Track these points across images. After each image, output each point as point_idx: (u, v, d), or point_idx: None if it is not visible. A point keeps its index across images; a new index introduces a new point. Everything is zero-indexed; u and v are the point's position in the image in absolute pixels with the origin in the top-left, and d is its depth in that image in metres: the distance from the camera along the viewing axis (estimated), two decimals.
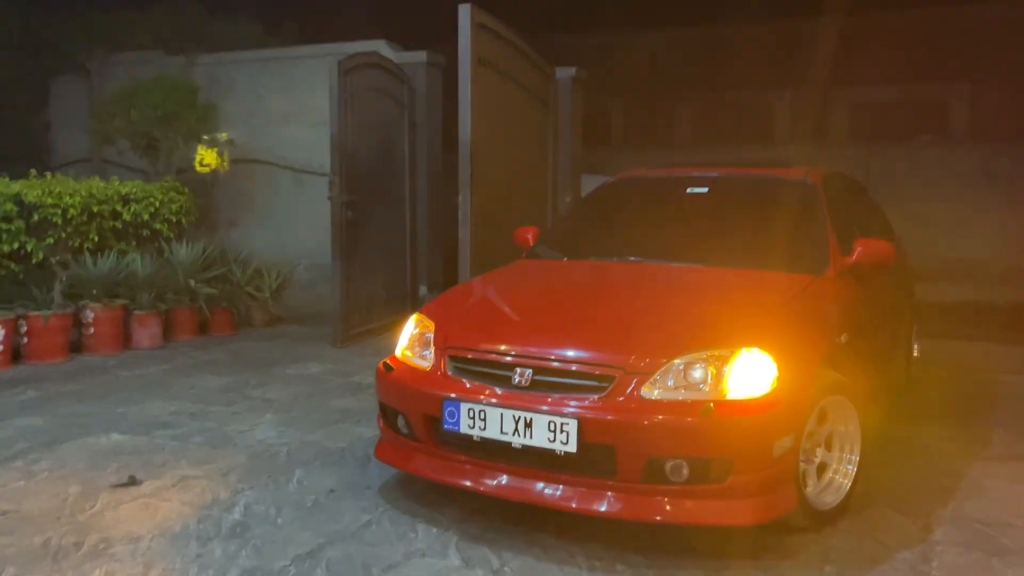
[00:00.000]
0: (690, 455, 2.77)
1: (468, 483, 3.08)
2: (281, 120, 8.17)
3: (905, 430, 4.34)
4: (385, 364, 3.46)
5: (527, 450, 2.92)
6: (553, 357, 3.05)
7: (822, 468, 3.19)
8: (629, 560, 2.85)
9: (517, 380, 3.00)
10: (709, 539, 2.96)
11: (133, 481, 3.49)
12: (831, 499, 3.16)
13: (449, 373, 3.20)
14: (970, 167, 9.59)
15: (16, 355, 5.61)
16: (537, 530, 3.05)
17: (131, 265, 6.08)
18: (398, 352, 3.49)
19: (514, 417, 2.93)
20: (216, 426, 4.31)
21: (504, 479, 3.03)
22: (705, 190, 4.36)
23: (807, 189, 4.05)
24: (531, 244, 4.33)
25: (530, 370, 3.01)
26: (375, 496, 3.40)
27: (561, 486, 2.93)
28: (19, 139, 8.78)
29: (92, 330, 5.90)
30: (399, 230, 7.02)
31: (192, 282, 6.38)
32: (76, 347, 5.90)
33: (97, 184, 6.35)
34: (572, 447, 2.83)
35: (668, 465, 2.79)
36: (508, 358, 3.10)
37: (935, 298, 7.26)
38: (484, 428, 2.99)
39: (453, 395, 3.08)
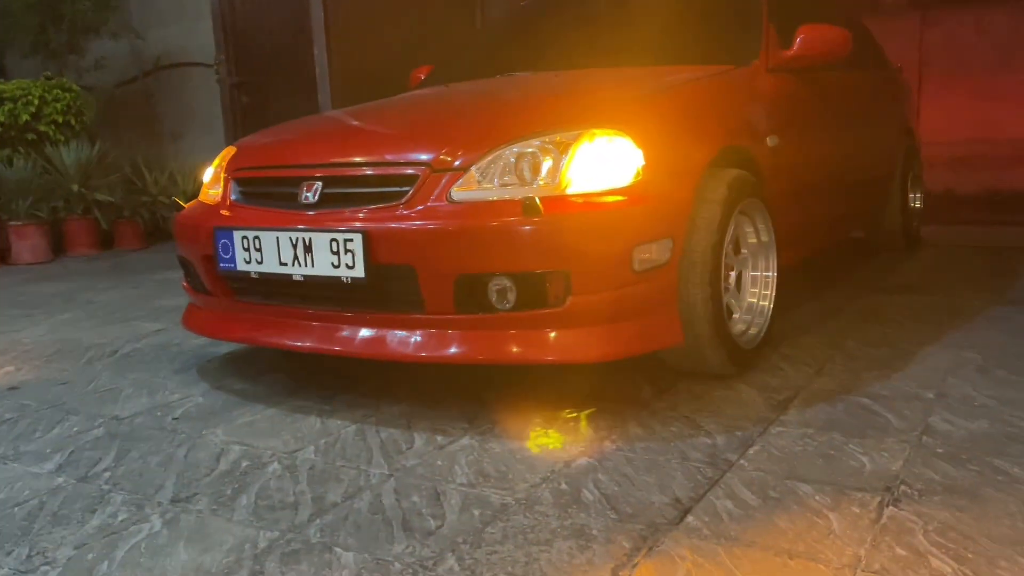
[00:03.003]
0: (512, 270, 1.94)
1: (260, 337, 2.33)
2: (197, 16, 7.29)
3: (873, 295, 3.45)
4: (177, 204, 2.66)
5: (311, 282, 2.14)
6: (345, 162, 2.25)
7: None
8: (477, 422, 2.03)
9: (304, 196, 2.21)
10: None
11: None
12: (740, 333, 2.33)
13: (232, 199, 2.43)
14: None
15: None
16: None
17: None
18: (201, 192, 2.69)
19: (291, 240, 2.14)
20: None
21: (294, 326, 2.24)
22: None
23: None
24: (419, 81, 3.55)
25: (319, 183, 2.22)
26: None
27: (351, 327, 2.13)
28: None
29: None
30: (311, 110, 6.13)
31: (76, 188, 5.60)
32: None
33: None
34: (359, 271, 2.03)
35: (490, 287, 1.96)
36: (294, 171, 2.31)
37: (1009, 186, 6.18)
38: (261, 261, 2.21)
39: (226, 224, 2.30)
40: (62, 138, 5.94)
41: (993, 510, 1.52)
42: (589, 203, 1.97)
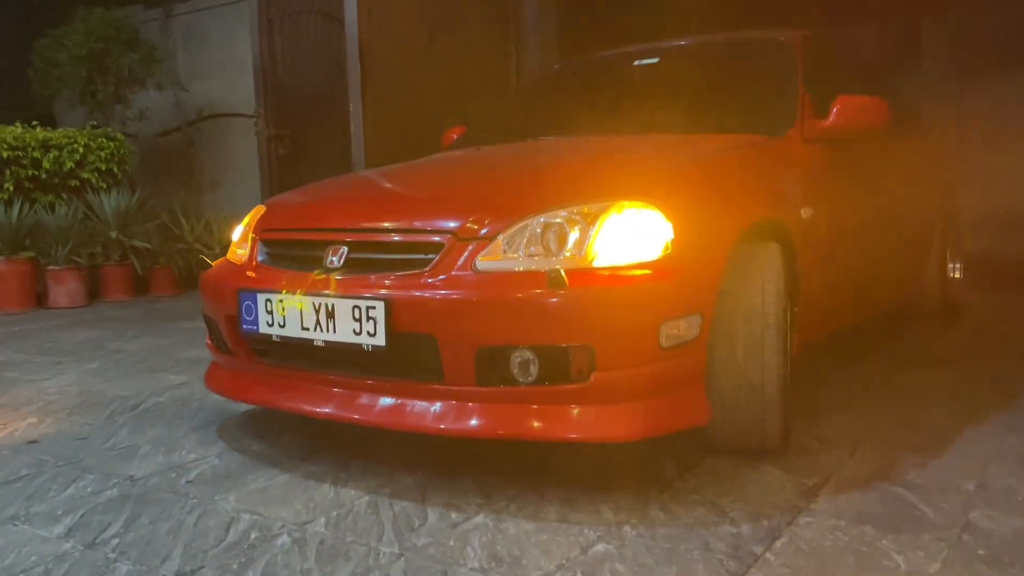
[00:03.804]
0: (535, 343, 1.90)
1: (279, 401, 2.30)
2: (238, 68, 7.47)
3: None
4: (205, 261, 2.68)
5: (332, 348, 2.11)
6: (372, 228, 2.24)
7: None
8: (493, 498, 1.97)
9: (330, 260, 2.20)
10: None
11: None
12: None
13: (258, 260, 2.44)
14: None
15: None
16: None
17: (38, 215, 5.42)
18: (230, 251, 2.71)
19: (314, 305, 2.12)
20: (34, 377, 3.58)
21: (314, 392, 2.22)
22: (655, 60, 3.51)
23: (779, 48, 3.18)
24: (452, 141, 3.58)
25: (345, 247, 2.21)
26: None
27: (370, 395, 2.10)
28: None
29: None
30: (344, 166, 6.21)
31: (114, 234, 5.70)
32: None
33: (12, 129, 5.73)
34: (380, 339, 2.01)
35: (512, 359, 1.92)
36: (321, 234, 2.31)
37: None
38: (283, 324, 2.19)
39: (250, 285, 2.30)
40: (104, 185, 6.08)
41: None
42: (616, 277, 1.93)
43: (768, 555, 1.70)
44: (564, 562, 1.68)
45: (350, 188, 2.81)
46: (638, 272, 1.95)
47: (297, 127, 5.49)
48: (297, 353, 2.25)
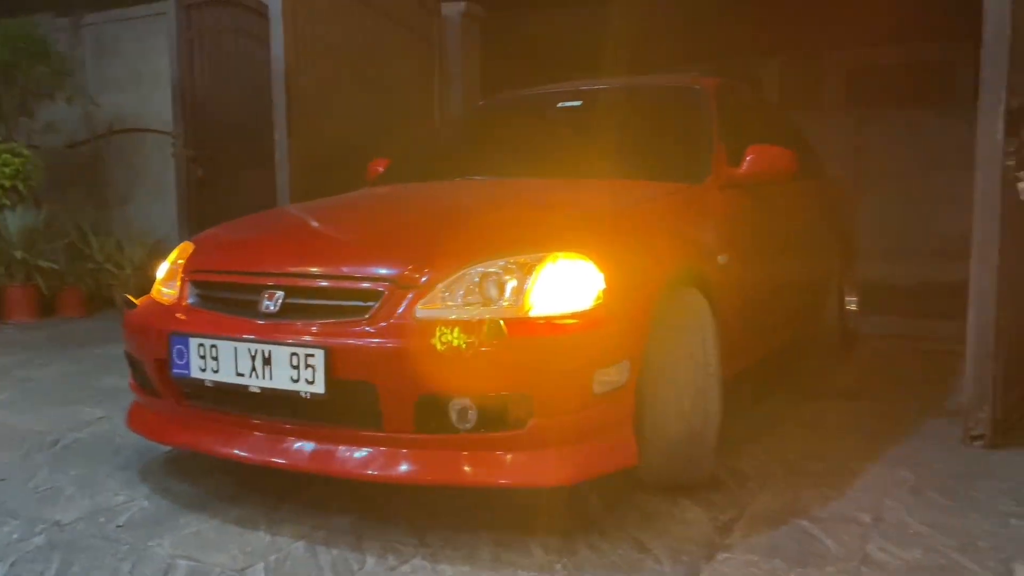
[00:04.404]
0: (475, 392, 1.98)
1: (209, 445, 2.30)
2: (156, 82, 7.29)
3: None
4: (127, 300, 2.64)
5: (268, 395, 2.14)
6: (309, 273, 2.27)
7: None
8: (428, 539, 2.04)
9: (265, 305, 2.22)
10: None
11: None
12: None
13: (189, 302, 2.43)
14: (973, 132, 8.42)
15: None
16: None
17: None
18: (153, 288, 2.68)
19: (250, 352, 2.14)
20: None
21: (244, 436, 2.23)
22: (578, 103, 3.66)
23: (694, 95, 3.36)
24: (377, 174, 3.60)
25: (281, 292, 2.23)
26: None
27: (306, 442, 2.13)
28: None
29: None
30: (271, 191, 6.14)
31: (19, 254, 5.48)
32: None
33: None
34: (319, 387, 2.05)
35: (451, 407, 2.00)
36: (256, 278, 2.32)
37: (942, 278, 6.48)
38: (217, 370, 2.20)
39: (183, 329, 2.30)
40: (8, 203, 5.83)
41: None
42: (552, 326, 2.03)
43: None
44: None
45: (283, 228, 2.82)
46: (573, 321, 2.05)
47: (217, 148, 5.43)
48: (230, 398, 2.25)
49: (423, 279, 2.10)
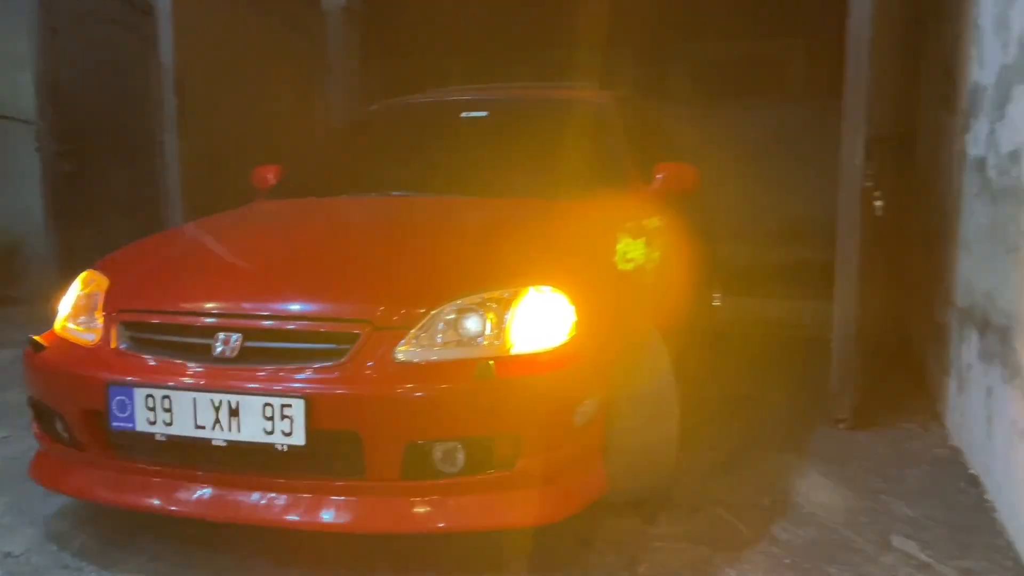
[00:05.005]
0: (465, 434, 2.02)
1: (155, 502, 2.15)
2: (21, 64, 6.60)
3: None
4: (33, 342, 2.38)
5: (235, 448, 2.04)
6: (271, 313, 2.19)
7: None
8: None
9: (220, 350, 2.11)
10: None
11: None
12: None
13: (122, 347, 2.24)
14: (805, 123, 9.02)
15: None
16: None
17: None
18: (57, 324, 2.45)
19: (213, 403, 2.05)
20: None
21: (207, 492, 2.11)
22: (484, 114, 3.69)
23: (600, 110, 3.48)
24: (271, 183, 3.44)
25: (238, 334, 2.11)
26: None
27: (283, 495, 2.07)
28: None
29: None
30: (149, 187, 5.83)
31: None
32: None
33: None
34: (299, 438, 1.98)
35: (438, 451, 2.02)
36: (206, 319, 2.20)
37: (776, 259, 7.04)
38: (171, 423, 2.07)
39: (125, 378, 2.14)
40: None
41: None
42: (536, 363, 2.07)
43: None
44: None
45: (220, 258, 2.68)
46: (554, 357, 2.09)
47: (87, 142, 5.13)
48: (179, 452, 2.11)
49: (399, 319, 2.07)
